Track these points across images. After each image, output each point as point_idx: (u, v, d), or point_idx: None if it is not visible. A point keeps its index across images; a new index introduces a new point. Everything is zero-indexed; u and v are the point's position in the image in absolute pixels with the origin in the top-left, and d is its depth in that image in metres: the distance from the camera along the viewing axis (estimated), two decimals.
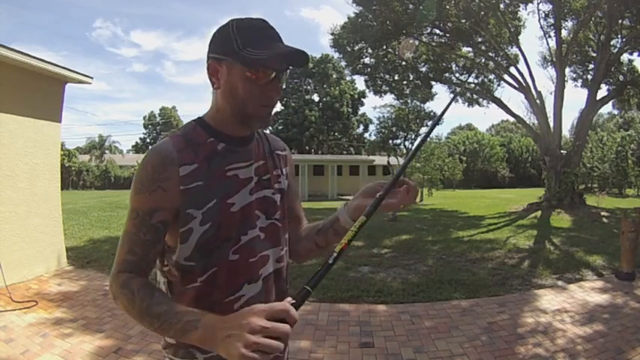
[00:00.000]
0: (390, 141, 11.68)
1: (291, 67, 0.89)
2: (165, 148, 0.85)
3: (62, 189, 5.67)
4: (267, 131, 1.09)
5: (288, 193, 1.03)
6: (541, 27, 13.58)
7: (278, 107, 35.36)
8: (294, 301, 0.67)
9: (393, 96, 15.35)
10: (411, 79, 15.19)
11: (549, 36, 13.85)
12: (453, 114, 74.12)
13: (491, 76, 15.29)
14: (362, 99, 35.89)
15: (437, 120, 1.16)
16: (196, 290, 0.86)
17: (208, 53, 0.88)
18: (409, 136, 11.45)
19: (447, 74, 15.22)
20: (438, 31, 14.27)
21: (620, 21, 12.07)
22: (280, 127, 34.50)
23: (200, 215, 0.84)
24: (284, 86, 0.93)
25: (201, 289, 0.86)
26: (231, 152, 0.90)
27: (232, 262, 0.88)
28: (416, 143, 1.02)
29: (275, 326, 0.62)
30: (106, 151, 36.08)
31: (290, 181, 1.06)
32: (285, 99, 34.97)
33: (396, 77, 15.29)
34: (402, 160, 11.43)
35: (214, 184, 0.87)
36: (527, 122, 15.30)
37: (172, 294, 0.89)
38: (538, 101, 13.14)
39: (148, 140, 46.19)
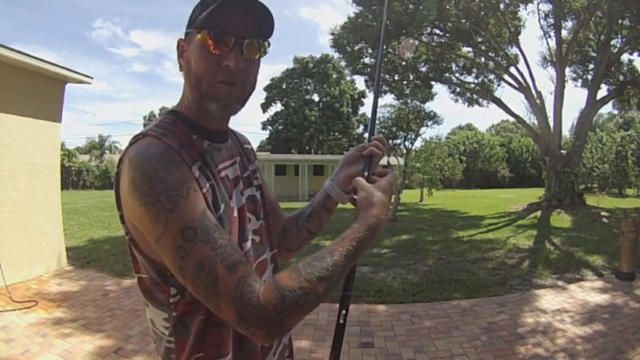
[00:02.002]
0: (390, 141, 11.65)
1: (255, 37, 0.73)
2: (165, 149, 0.67)
3: (62, 189, 5.67)
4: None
5: (264, 188, 0.94)
6: (541, 27, 13.60)
7: (278, 107, 35.44)
8: (344, 311, 0.77)
9: (393, 96, 15.37)
10: (411, 79, 15.19)
11: (549, 36, 13.87)
12: (454, 114, 74.20)
13: (492, 76, 15.29)
14: (362, 99, 35.90)
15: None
16: (207, 316, 0.71)
17: None
18: (409, 136, 11.41)
19: (447, 74, 15.22)
20: (438, 31, 14.28)
21: (620, 21, 12.07)
22: (280, 127, 34.52)
23: (217, 221, 0.70)
24: (259, 65, 0.78)
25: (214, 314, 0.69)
26: (216, 150, 0.79)
27: None
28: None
29: None
30: (106, 151, 36.10)
31: (261, 174, 0.96)
32: (285, 99, 34.98)
33: (396, 77, 15.29)
34: (402, 160, 11.41)
35: (217, 186, 0.75)
36: (527, 122, 15.31)
37: (184, 327, 0.72)
38: (538, 101, 13.15)
39: None
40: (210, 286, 0.61)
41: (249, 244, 0.80)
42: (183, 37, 0.78)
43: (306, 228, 0.99)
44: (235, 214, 0.78)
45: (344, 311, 0.74)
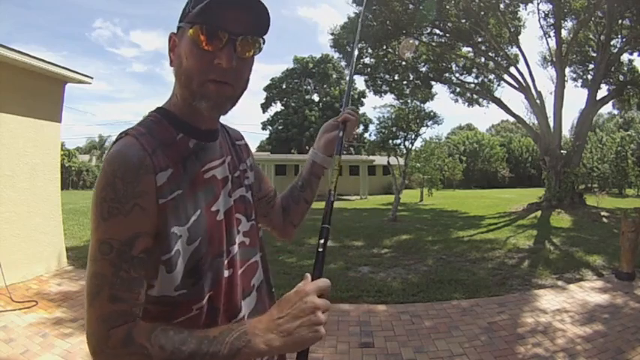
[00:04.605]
0: (390, 141, 11.64)
1: (250, 34, 0.71)
2: (136, 153, 0.66)
3: (62, 189, 5.67)
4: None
5: (255, 184, 0.94)
6: (541, 27, 13.61)
7: (278, 107, 35.42)
8: (322, 241, 0.74)
9: (393, 96, 15.38)
10: (411, 79, 15.20)
11: (549, 36, 13.88)
12: (454, 114, 74.21)
13: (492, 76, 15.30)
14: (362, 99, 35.87)
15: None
16: (191, 320, 0.70)
17: None
18: (409, 136, 11.40)
19: (447, 74, 15.22)
20: (438, 31, 14.28)
21: (620, 21, 12.07)
22: (280, 127, 34.50)
23: (186, 232, 0.69)
24: (253, 65, 0.75)
25: (198, 317, 0.71)
26: (203, 150, 0.76)
27: (227, 279, 0.75)
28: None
29: (327, 303, 0.67)
30: (106, 151, 36.09)
31: (255, 168, 0.97)
32: (285, 99, 34.96)
33: (396, 77, 15.30)
34: (402, 160, 11.41)
35: (195, 190, 0.72)
36: (527, 122, 15.32)
37: None
38: (538, 101, 13.15)
39: None
40: (90, 295, 0.64)
41: (236, 247, 0.79)
42: (175, 31, 0.75)
43: (303, 198, 1.06)
44: (220, 217, 0.76)
45: (321, 241, 0.75)
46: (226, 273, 0.75)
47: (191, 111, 0.74)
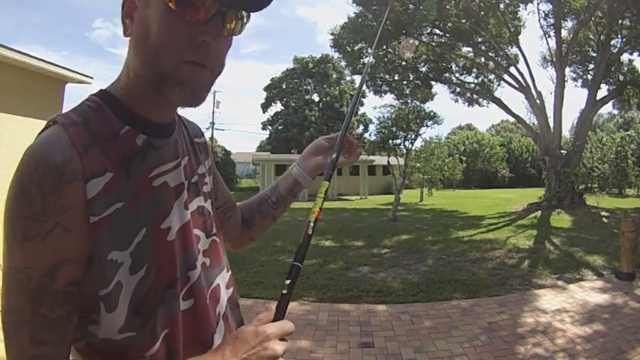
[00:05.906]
0: (390, 141, 11.66)
1: (242, 7, 0.57)
2: (60, 150, 0.52)
3: None
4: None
5: (214, 191, 0.81)
6: (541, 27, 13.62)
7: (278, 107, 35.40)
8: (289, 281, 0.60)
9: (393, 96, 15.40)
10: (411, 79, 15.21)
11: (549, 36, 13.88)
12: (454, 114, 74.21)
13: (492, 76, 15.31)
14: (362, 99, 35.89)
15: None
16: None
17: None
18: (409, 136, 11.41)
19: (447, 74, 15.23)
20: (438, 31, 14.29)
21: (620, 21, 12.08)
22: (280, 127, 34.53)
23: (128, 258, 0.55)
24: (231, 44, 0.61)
25: None
26: (154, 149, 0.61)
27: (187, 312, 0.62)
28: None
29: (287, 347, 0.57)
30: None
31: (214, 172, 0.82)
32: (285, 99, 34.99)
33: (396, 77, 15.31)
34: (402, 160, 11.41)
35: (140, 202, 0.57)
36: (527, 122, 15.32)
37: None
38: (538, 101, 13.15)
39: None
40: (7, 334, 0.53)
41: (197, 272, 0.64)
42: None
43: (272, 215, 0.96)
44: (172, 236, 0.61)
45: (288, 281, 0.61)
46: (185, 305, 0.62)
47: (145, 97, 0.59)
